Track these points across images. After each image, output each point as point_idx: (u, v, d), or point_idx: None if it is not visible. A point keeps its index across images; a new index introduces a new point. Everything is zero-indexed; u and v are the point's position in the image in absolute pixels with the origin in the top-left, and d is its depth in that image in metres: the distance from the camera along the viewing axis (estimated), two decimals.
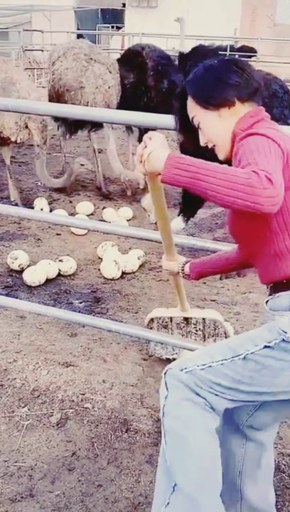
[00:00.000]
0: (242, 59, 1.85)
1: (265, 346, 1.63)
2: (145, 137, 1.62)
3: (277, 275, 1.70)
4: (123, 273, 4.42)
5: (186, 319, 3.03)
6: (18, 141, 5.28)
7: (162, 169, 1.53)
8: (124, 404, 2.79)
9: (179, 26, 9.94)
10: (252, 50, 13.56)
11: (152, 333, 2.92)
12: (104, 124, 5.90)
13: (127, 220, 5.46)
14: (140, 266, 4.54)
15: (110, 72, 5.95)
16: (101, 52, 6.25)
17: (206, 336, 3.01)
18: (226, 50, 13.72)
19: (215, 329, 2.98)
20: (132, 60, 6.20)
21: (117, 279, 4.34)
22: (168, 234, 2.27)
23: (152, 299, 4.02)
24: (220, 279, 4.38)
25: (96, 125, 6.17)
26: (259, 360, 1.63)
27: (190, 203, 4.29)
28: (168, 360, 2.97)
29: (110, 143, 5.88)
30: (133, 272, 4.47)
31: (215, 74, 1.74)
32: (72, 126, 6.35)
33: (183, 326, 3.04)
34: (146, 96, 6.06)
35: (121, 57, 6.55)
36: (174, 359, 3.02)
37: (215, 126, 1.75)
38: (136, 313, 3.83)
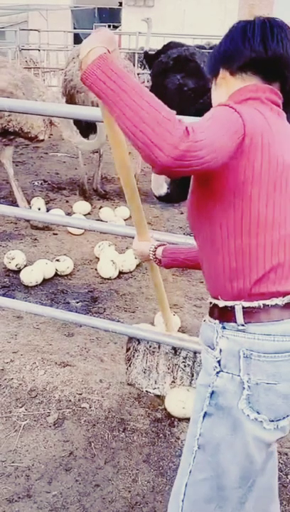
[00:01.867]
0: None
1: (203, 417, 1.46)
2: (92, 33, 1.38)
3: (211, 289, 1.53)
4: (120, 272, 4.42)
5: (175, 349, 2.72)
6: (46, 138, 5.16)
7: (87, 64, 1.27)
8: (121, 403, 2.79)
9: (147, 26, 9.95)
10: None
11: (149, 333, 2.92)
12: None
13: (124, 220, 5.46)
14: (137, 265, 4.54)
15: None
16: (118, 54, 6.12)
17: (194, 375, 2.72)
18: None
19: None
20: (185, 65, 5.99)
21: (114, 279, 4.34)
22: (137, 205, 1.99)
23: (149, 299, 4.02)
24: None
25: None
26: (210, 439, 1.45)
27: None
28: (148, 393, 2.83)
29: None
30: (131, 272, 4.47)
31: (225, 37, 1.51)
32: (85, 129, 6.20)
33: (171, 357, 2.74)
34: (204, 98, 5.73)
35: (173, 64, 6.18)
36: (155, 394, 2.82)
37: (212, 94, 1.58)
38: (133, 312, 3.83)
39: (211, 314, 1.52)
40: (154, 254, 1.99)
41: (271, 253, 1.40)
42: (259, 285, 1.41)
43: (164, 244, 2.00)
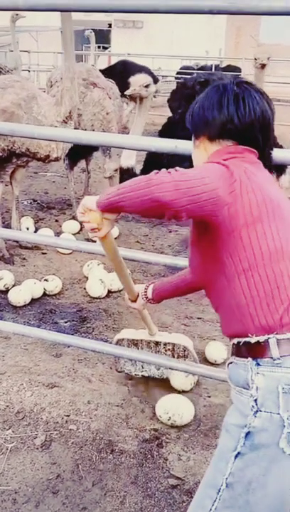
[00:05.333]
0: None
1: (235, 457, 1.44)
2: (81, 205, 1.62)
3: (236, 328, 1.53)
4: (109, 292, 4.41)
5: (156, 342, 3.02)
6: (61, 156, 4.81)
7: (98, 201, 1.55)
8: (109, 425, 2.78)
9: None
10: (237, 70, 13.76)
11: (137, 353, 2.91)
12: (100, 152, 5.86)
13: (114, 239, 5.45)
14: None
15: (110, 98, 5.72)
16: (100, 76, 6.03)
17: (175, 357, 2.98)
18: (211, 70, 13.93)
19: (184, 351, 2.97)
20: (183, 92, 5.99)
21: (103, 298, 4.34)
22: (126, 278, 2.24)
23: (138, 318, 4.00)
24: None
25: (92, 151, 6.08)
26: (240, 479, 1.43)
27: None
28: (137, 376, 3.10)
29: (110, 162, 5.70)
30: (119, 291, 4.46)
31: (204, 101, 1.67)
32: (77, 156, 6.04)
33: (153, 346, 3.02)
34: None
35: (200, 88, 6.13)
36: (143, 376, 3.11)
37: (193, 152, 1.75)
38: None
39: (239, 354, 1.51)
40: (146, 297, 2.21)
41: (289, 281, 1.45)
42: (287, 314, 1.44)
43: (150, 284, 2.21)
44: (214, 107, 1.61)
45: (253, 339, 1.46)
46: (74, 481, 2.44)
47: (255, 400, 1.42)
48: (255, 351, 1.46)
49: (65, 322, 3.95)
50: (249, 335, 1.47)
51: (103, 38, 24.02)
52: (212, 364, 3.33)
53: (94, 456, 2.58)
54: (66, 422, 2.78)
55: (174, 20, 21.08)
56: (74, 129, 4.74)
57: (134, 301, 2.33)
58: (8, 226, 5.33)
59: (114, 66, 11.24)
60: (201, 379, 3.11)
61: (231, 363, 1.57)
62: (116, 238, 5.55)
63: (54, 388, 3.03)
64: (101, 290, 4.33)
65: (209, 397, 3.05)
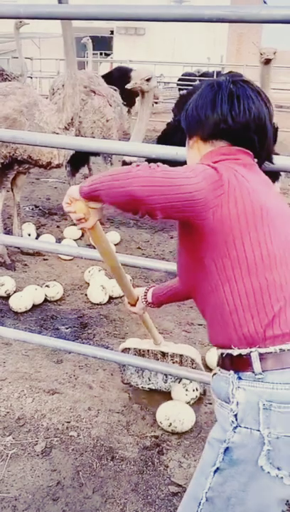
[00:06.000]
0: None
1: (215, 472, 1.40)
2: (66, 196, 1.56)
3: (220, 339, 1.48)
4: (110, 298, 4.41)
5: (163, 353, 2.95)
6: (62, 163, 4.83)
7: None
8: (110, 431, 2.77)
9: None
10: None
11: (138, 360, 2.91)
12: (101, 159, 5.87)
13: (115, 245, 5.48)
14: None
15: (110, 105, 5.72)
16: (102, 83, 5.94)
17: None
18: (213, 76, 13.98)
19: (192, 363, 2.90)
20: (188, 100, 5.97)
21: (104, 304, 4.34)
22: (124, 280, 2.17)
23: (139, 324, 4.01)
24: None
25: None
26: (220, 494, 1.40)
27: None
28: (143, 390, 3.04)
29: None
30: (121, 297, 4.46)
31: (198, 99, 1.59)
32: (79, 163, 6.07)
33: (160, 357, 2.95)
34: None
35: (180, 97, 6.12)
36: (149, 389, 3.05)
37: (187, 152, 1.69)
38: (122, 338, 3.82)
39: (223, 365, 1.46)
40: (146, 300, 2.13)
41: (276, 292, 1.38)
42: (271, 327, 1.37)
43: (150, 287, 2.14)
44: (207, 105, 1.54)
45: (235, 351, 1.41)
46: (75, 488, 2.43)
47: (235, 415, 1.37)
48: (237, 364, 1.41)
49: (66, 328, 3.95)
50: (232, 346, 1.42)
51: (105, 44, 24.13)
52: (212, 371, 3.32)
53: (95, 463, 2.58)
54: (66, 428, 2.78)
55: (176, 27, 21.18)
56: (75, 135, 4.77)
57: (134, 305, 2.25)
58: (9, 232, 5.35)
59: (110, 73, 11.30)
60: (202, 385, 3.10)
61: (215, 374, 1.53)
62: (117, 244, 5.56)
63: (55, 395, 3.03)
64: (103, 296, 4.34)
65: (210, 403, 3.04)
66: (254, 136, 1.54)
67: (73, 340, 3.65)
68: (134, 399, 3.06)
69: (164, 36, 22.66)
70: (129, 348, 2.99)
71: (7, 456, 2.60)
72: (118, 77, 9.63)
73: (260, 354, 1.37)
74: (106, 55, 23.13)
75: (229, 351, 1.43)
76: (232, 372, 1.42)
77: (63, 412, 2.89)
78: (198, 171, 1.38)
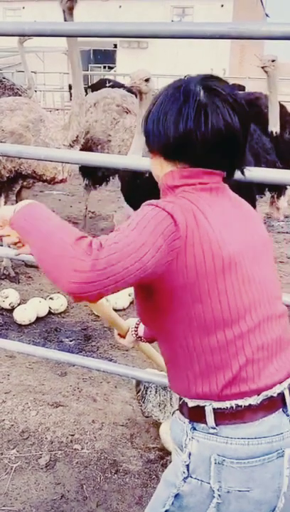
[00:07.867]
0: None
1: None
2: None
3: (176, 386, 1.39)
4: (114, 310, 4.41)
5: None
6: (67, 178, 4.80)
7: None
8: (114, 444, 2.77)
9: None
10: (241, 88, 13.91)
11: (142, 373, 2.91)
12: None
13: None
14: (131, 303, 4.55)
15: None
16: (135, 101, 6.05)
17: None
18: None
19: None
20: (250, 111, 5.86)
21: None
22: (109, 315, 2.06)
23: None
24: None
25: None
26: None
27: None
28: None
29: None
30: (124, 309, 4.48)
31: (160, 109, 1.34)
32: (100, 178, 6.05)
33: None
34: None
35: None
36: None
37: (151, 163, 1.45)
38: (126, 350, 3.82)
39: (181, 410, 1.38)
40: (136, 334, 1.93)
41: (236, 351, 1.27)
42: (229, 387, 1.28)
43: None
44: (170, 121, 1.29)
45: (190, 403, 1.33)
46: (79, 502, 2.43)
47: (187, 466, 1.30)
48: (192, 415, 1.33)
49: (70, 341, 3.96)
50: (188, 398, 1.34)
51: (109, 58, 24.37)
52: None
53: (99, 476, 2.58)
54: (71, 441, 2.78)
55: (179, 40, 21.35)
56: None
57: (123, 336, 2.02)
58: None
59: (98, 84, 11.18)
60: None
61: (173, 414, 1.44)
62: None
63: (59, 407, 3.03)
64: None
65: None
66: (225, 157, 1.34)
67: (77, 353, 3.66)
68: (138, 412, 3.06)
69: (167, 49, 22.86)
70: (150, 387, 2.86)
71: (11, 469, 2.61)
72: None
73: (214, 409, 1.29)
74: (110, 68, 23.33)
75: (186, 400, 1.35)
76: (187, 421, 1.34)
77: (67, 425, 2.90)
78: (148, 231, 1.19)
